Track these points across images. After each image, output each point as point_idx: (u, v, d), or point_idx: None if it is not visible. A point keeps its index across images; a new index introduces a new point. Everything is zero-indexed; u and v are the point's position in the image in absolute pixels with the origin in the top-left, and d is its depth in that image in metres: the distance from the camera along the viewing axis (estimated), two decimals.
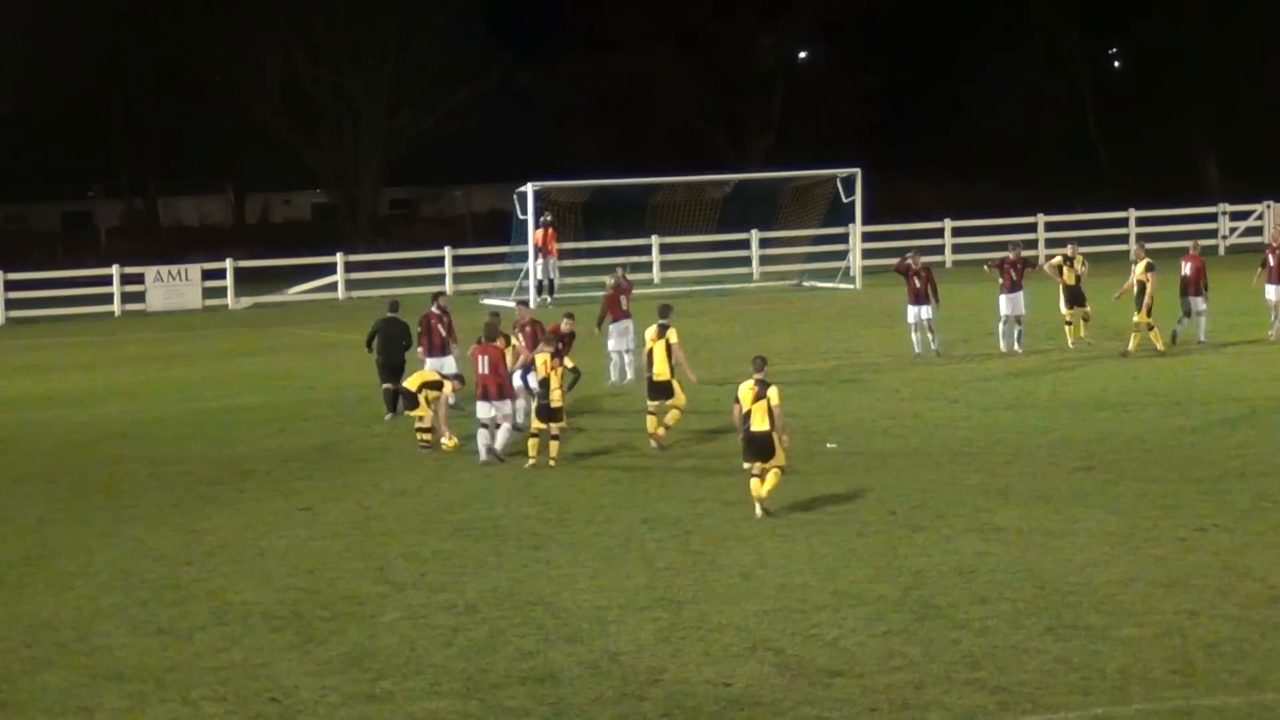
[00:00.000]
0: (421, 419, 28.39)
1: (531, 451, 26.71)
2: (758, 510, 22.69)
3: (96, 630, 18.54)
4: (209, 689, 16.46)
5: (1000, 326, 38.15)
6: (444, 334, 31.66)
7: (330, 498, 25.03)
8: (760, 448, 22.74)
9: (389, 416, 31.34)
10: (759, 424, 22.68)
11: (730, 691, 15.94)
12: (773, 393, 22.68)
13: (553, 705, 15.73)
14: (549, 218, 54.46)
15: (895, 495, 23.71)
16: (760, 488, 22.75)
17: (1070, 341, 37.97)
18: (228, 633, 18.29)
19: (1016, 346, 37.69)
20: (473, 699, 15.95)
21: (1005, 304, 37.98)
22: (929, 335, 37.45)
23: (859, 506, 23.12)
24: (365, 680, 16.56)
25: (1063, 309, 38.18)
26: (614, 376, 34.79)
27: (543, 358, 26.90)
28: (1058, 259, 38.62)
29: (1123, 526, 21.54)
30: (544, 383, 26.64)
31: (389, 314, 32.49)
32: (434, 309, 32.09)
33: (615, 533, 22.15)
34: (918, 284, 37.36)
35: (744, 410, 22.83)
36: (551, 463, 26.59)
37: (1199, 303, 38.14)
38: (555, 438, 26.81)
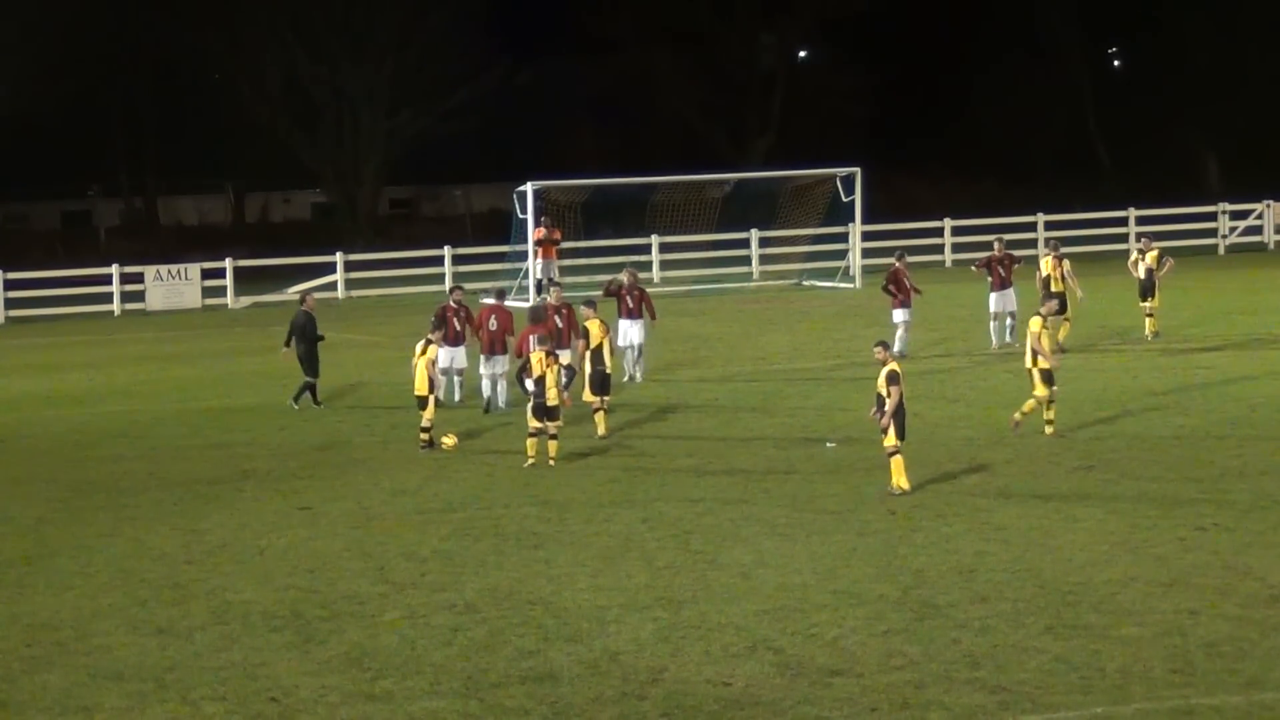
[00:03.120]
0: (425, 420, 28.45)
1: (530, 451, 26.71)
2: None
3: (96, 630, 18.54)
4: (209, 689, 16.46)
5: (992, 324, 38.29)
6: (458, 327, 32.83)
7: (330, 498, 25.03)
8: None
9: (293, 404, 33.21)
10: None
11: (730, 691, 15.93)
12: (881, 376, 23.98)
13: (552, 705, 15.73)
14: (547, 220, 54.41)
15: (895, 495, 23.70)
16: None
17: (1147, 332, 38.94)
18: (228, 632, 18.29)
19: (1009, 340, 37.85)
20: (473, 699, 15.95)
21: (996, 301, 38.22)
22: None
23: (859, 506, 23.12)
24: (365, 680, 16.56)
25: (1140, 302, 39.35)
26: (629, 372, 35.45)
27: (538, 356, 26.94)
28: (1134, 255, 39.37)
29: (1123, 526, 21.55)
30: (539, 381, 26.66)
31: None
32: (451, 302, 33.41)
33: (615, 533, 22.15)
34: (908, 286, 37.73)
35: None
36: (551, 462, 26.60)
37: None
38: (554, 437, 26.83)
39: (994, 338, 38.21)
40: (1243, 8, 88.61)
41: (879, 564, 20.11)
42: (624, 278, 36.14)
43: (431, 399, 28.50)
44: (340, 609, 19.03)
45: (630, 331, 35.36)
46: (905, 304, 37.62)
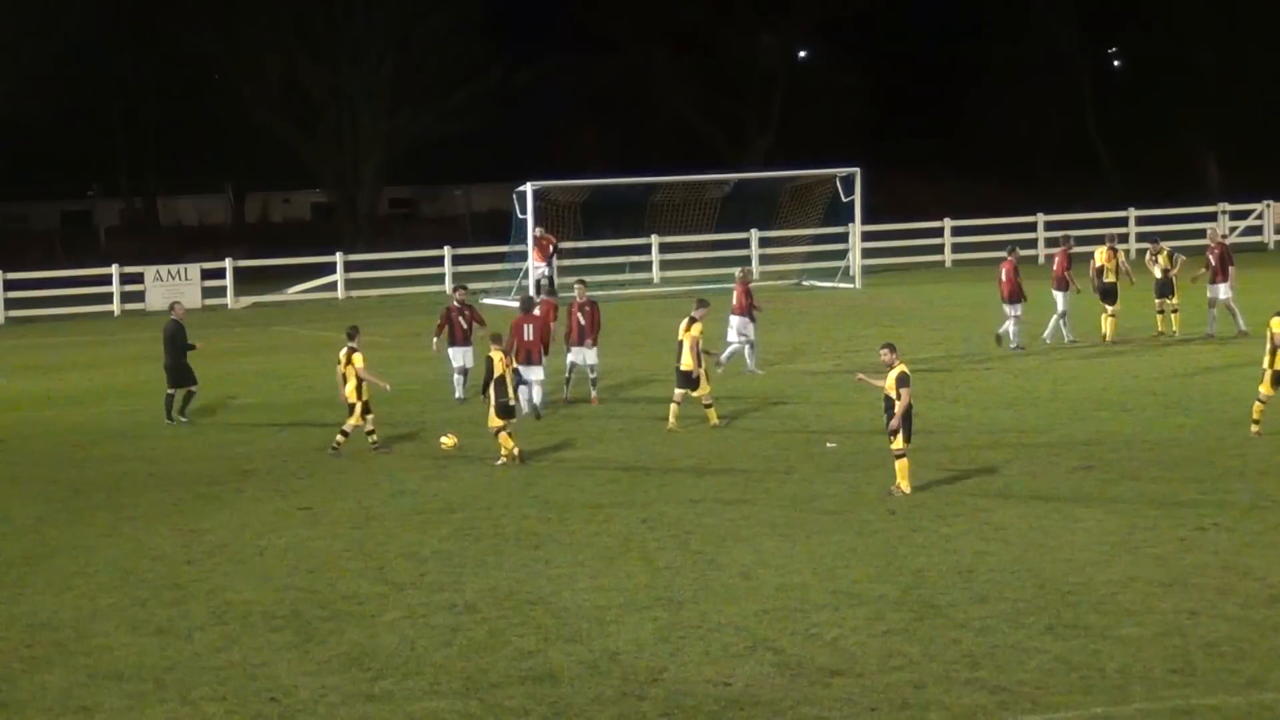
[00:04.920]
0: (350, 425, 28.18)
1: (508, 445, 26.68)
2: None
3: (96, 630, 18.54)
4: (209, 689, 16.46)
5: (1064, 320, 38.63)
6: (465, 326, 33.11)
7: (330, 498, 25.03)
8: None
9: (169, 422, 32.11)
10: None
11: (730, 691, 15.93)
12: (891, 378, 23.81)
13: (552, 705, 15.73)
14: (541, 231, 54.28)
15: (895, 495, 23.68)
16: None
17: (1160, 328, 39.61)
18: (227, 632, 18.29)
19: (1022, 337, 38.15)
20: (472, 699, 15.95)
21: (1065, 299, 38.59)
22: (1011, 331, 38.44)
23: (859, 506, 23.12)
24: (365, 680, 16.56)
25: (1155, 300, 39.84)
26: (749, 365, 36.37)
27: (498, 356, 27.06)
28: (1149, 255, 40.79)
29: (1123, 526, 21.54)
30: (500, 381, 26.80)
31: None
32: (454, 302, 33.67)
33: (615, 533, 22.15)
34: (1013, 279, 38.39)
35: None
36: (502, 460, 26.56)
37: (1219, 289, 39.56)
38: (496, 435, 26.86)
39: (1067, 332, 38.54)
40: (1243, 7, 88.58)
41: (879, 564, 20.11)
42: (738, 274, 37.29)
43: (359, 405, 28.15)
44: (340, 609, 19.03)
45: (734, 329, 36.18)
46: (1016, 299, 38.13)
